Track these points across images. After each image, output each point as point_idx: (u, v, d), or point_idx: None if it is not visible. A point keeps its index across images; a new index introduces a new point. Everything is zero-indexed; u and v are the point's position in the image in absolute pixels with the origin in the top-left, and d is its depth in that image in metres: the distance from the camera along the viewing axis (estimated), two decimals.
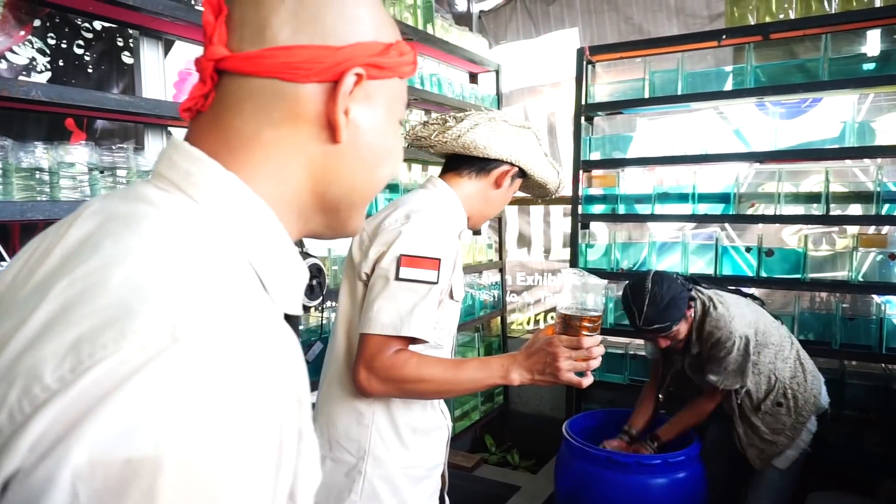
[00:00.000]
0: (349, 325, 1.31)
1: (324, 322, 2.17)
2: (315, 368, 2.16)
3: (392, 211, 1.28)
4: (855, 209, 2.56)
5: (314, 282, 1.96)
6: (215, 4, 0.53)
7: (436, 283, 1.20)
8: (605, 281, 1.27)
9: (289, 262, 0.54)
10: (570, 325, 1.20)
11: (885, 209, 2.46)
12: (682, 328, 2.02)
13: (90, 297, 0.40)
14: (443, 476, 1.43)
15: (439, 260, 1.21)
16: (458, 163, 1.40)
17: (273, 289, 0.52)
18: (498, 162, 1.37)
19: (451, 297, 1.30)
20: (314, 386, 2.15)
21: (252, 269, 0.50)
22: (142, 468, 0.34)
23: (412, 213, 1.25)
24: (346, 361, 1.29)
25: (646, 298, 1.92)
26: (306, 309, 2.00)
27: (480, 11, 4.08)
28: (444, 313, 1.30)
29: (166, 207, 0.48)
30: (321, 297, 2.00)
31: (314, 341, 2.09)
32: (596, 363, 1.20)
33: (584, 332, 1.18)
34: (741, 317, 2.06)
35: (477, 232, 3.43)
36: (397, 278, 1.18)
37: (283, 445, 0.42)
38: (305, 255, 1.96)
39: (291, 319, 1.95)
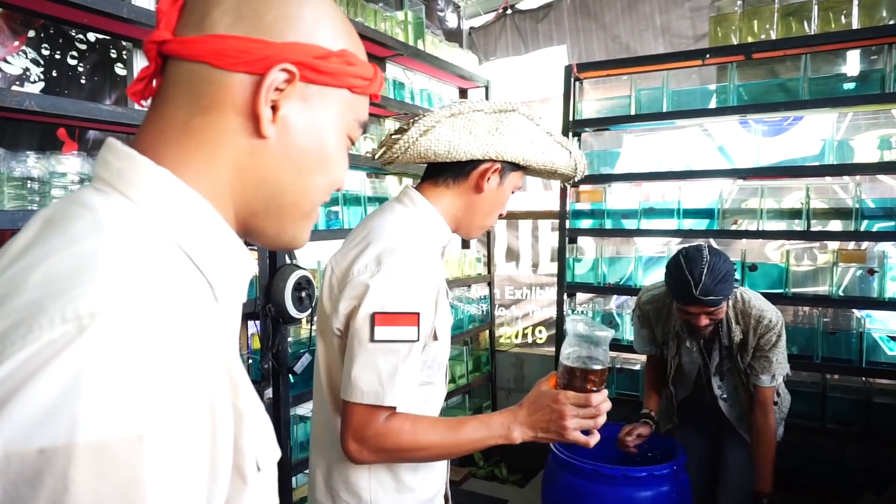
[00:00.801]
0: (328, 374, 1.19)
1: (313, 334, 2.18)
2: (304, 380, 2.16)
3: (362, 249, 1.13)
4: (835, 225, 2.61)
5: (303, 293, 1.97)
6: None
7: (416, 340, 1.08)
8: (612, 331, 1.20)
9: (230, 252, 0.55)
10: (575, 377, 1.12)
11: (863, 225, 2.51)
12: (724, 308, 1.92)
13: (8, 299, 0.41)
14: (445, 497, 1.35)
15: (418, 314, 1.08)
16: (435, 170, 1.23)
17: (215, 278, 0.53)
18: (473, 162, 1.19)
19: (435, 338, 1.17)
20: (306, 397, 2.15)
21: (190, 260, 0.51)
22: (55, 457, 0.36)
23: (383, 255, 1.10)
24: (334, 409, 1.17)
25: (704, 268, 1.79)
26: (296, 321, 2.00)
27: (470, 28, 4.14)
28: (430, 353, 1.17)
29: (100, 209, 0.49)
30: (310, 309, 2.01)
31: (303, 353, 2.09)
32: (602, 420, 1.12)
33: (591, 388, 1.11)
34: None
35: (466, 245, 3.45)
36: (372, 340, 1.06)
37: (215, 424, 0.43)
38: (294, 266, 1.97)
39: (285, 324, 1.96)
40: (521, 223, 4.17)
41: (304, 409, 2.22)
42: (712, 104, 2.81)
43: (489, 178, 1.20)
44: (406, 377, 1.08)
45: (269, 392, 1.98)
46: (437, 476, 1.28)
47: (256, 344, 1.97)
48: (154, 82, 0.57)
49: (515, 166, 1.23)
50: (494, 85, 3.53)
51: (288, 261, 2.02)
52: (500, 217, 1.30)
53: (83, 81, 1.93)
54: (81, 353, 0.38)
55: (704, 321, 1.89)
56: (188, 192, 0.52)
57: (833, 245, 2.77)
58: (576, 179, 1.31)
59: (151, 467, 0.39)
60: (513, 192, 1.28)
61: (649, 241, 3.42)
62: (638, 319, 2.25)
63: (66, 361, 0.38)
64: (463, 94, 3.49)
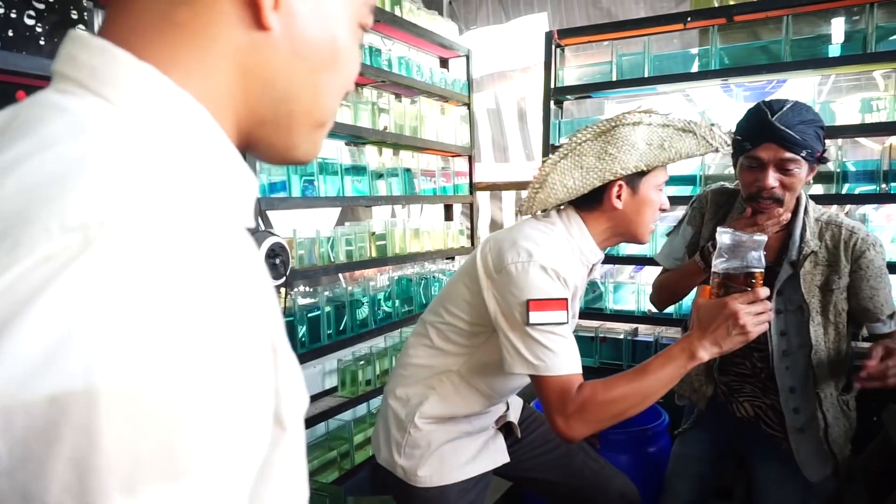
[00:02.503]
0: (458, 300, 1.39)
1: (289, 304, 2.15)
2: None
3: (513, 242, 1.29)
4: (817, 189, 2.60)
5: (277, 260, 1.94)
6: None
7: (566, 322, 1.22)
8: (765, 236, 1.22)
9: (232, 165, 0.46)
10: (735, 284, 1.18)
11: (845, 188, 2.50)
12: (804, 172, 1.47)
13: None
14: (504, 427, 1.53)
15: (566, 300, 1.22)
16: (577, 201, 1.37)
17: (219, 195, 0.44)
18: (598, 189, 1.31)
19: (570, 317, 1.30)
20: None
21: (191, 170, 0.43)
22: (72, 404, 0.29)
23: (533, 250, 1.26)
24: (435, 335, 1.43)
25: (786, 104, 1.46)
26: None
27: None
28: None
29: (75, 110, 0.39)
30: (284, 277, 1.97)
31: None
32: (770, 315, 1.18)
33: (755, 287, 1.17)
34: None
35: (449, 217, 3.42)
36: (529, 324, 1.20)
37: (254, 361, 0.36)
38: (268, 233, 1.94)
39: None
40: (504, 195, 4.14)
41: None
42: (694, 68, 2.77)
43: (619, 196, 1.31)
44: (572, 348, 1.23)
45: None
46: (483, 417, 1.45)
47: None
48: None
49: (640, 174, 1.30)
50: (476, 54, 3.47)
51: (262, 227, 1.98)
52: (664, 210, 1.38)
53: (42, 43, 1.87)
54: (92, 273, 0.30)
55: (774, 180, 1.46)
56: (180, 93, 0.43)
57: None
58: (722, 151, 1.33)
59: (196, 412, 0.31)
60: (661, 188, 1.36)
61: None
62: (691, 211, 1.84)
63: (71, 282, 0.29)
64: (444, 63, 3.44)
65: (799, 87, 3.00)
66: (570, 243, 1.35)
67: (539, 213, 1.43)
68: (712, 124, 1.32)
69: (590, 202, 1.35)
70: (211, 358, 0.32)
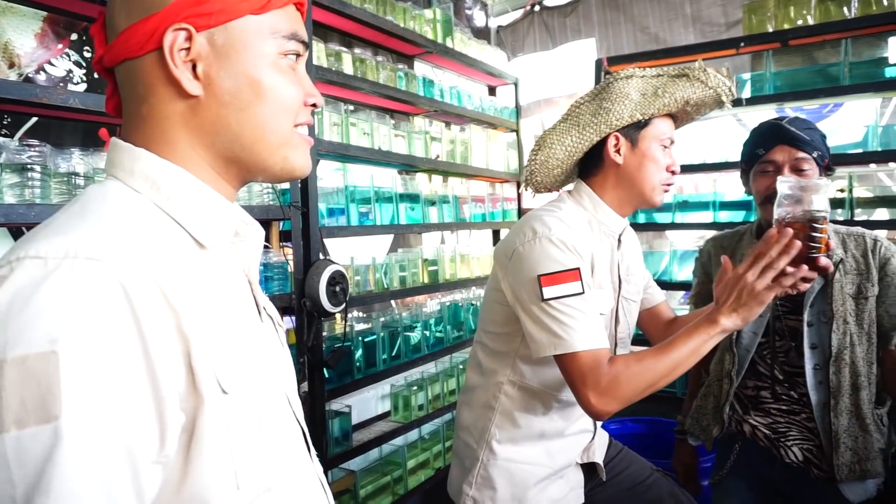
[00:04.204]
0: (488, 309, 1.38)
1: (347, 329, 2.19)
2: (338, 375, 2.18)
3: (520, 227, 1.30)
4: (881, 213, 2.52)
5: (337, 288, 1.99)
6: (99, 15, 0.65)
7: (582, 292, 1.19)
8: (826, 180, 1.19)
9: (207, 204, 0.63)
10: (795, 230, 1.13)
11: None
12: (816, 170, 1.52)
13: None
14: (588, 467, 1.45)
15: (578, 269, 1.19)
16: (581, 170, 1.38)
17: (195, 228, 0.61)
18: (598, 147, 1.31)
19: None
20: (340, 392, 2.16)
21: (168, 217, 0.60)
22: None
23: (537, 226, 1.25)
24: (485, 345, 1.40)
25: (790, 116, 1.57)
26: (330, 315, 2.02)
27: (499, 26, 4.14)
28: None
29: (89, 194, 0.60)
30: (344, 304, 2.02)
31: (338, 347, 2.10)
32: (787, 257, 1.10)
33: (813, 243, 1.13)
34: None
35: (497, 243, 3.44)
36: (544, 300, 1.18)
37: (146, 345, 0.50)
38: (328, 261, 1.99)
39: (320, 318, 1.97)
40: None
41: (339, 405, 2.23)
42: (746, 93, 2.75)
43: (619, 149, 1.30)
44: (594, 320, 1.20)
45: (304, 386, 2.00)
46: (565, 449, 1.38)
47: (293, 338, 1.99)
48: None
49: (637, 125, 1.29)
50: (523, 81, 3.51)
51: (322, 256, 2.04)
52: (674, 172, 1.35)
53: None
54: (9, 289, 0.48)
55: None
56: (160, 162, 0.61)
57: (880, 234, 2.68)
58: (728, 103, 1.33)
59: (66, 378, 0.46)
60: (667, 146, 1.34)
61: (684, 235, 3.36)
62: (695, 264, 1.87)
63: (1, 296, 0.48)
64: (492, 91, 3.49)
65: (857, 110, 2.93)
66: (583, 215, 1.34)
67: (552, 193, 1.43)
68: (706, 68, 1.30)
69: (593, 165, 1.34)
70: (82, 342, 0.47)
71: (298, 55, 0.66)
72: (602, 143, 1.31)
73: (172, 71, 0.59)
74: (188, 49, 0.60)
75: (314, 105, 0.67)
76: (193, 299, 0.56)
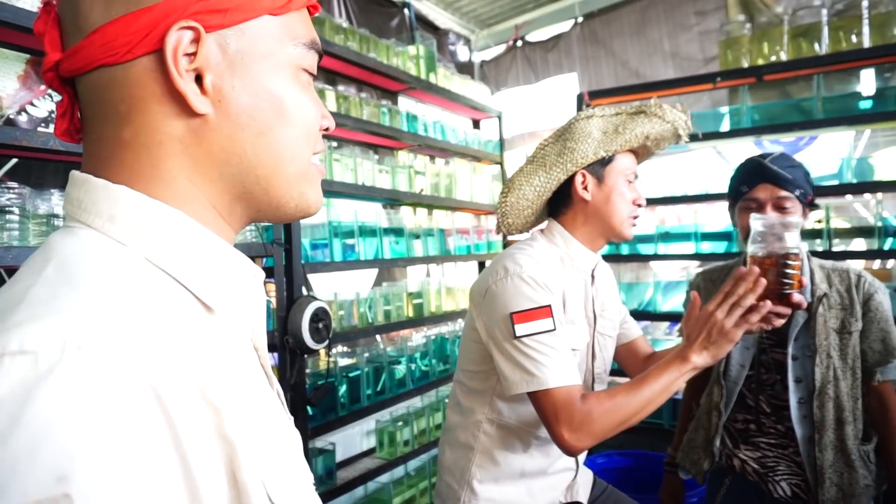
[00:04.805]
0: (465, 348, 1.39)
1: (330, 366, 2.17)
2: (322, 412, 2.15)
3: (493, 266, 1.32)
4: (858, 244, 2.56)
5: (320, 324, 1.98)
6: (45, 8, 0.48)
7: (554, 329, 1.20)
8: (800, 219, 1.23)
9: (215, 256, 0.48)
10: (768, 268, 1.17)
11: (887, 243, 2.47)
12: (799, 209, 1.51)
13: None
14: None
15: (549, 306, 1.21)
16: (551, 208, 1.41)
17: (201, 288, 0.47)
18: (565, 185, 1.35)
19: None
20: (323, 430, 2.13)
21: (167, 275, 0.46)
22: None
23: (508, 265, 1.27)
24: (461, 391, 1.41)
25: (775, 153, 1.57)
26: (314, 352, 2.00)
27: (482, 61, 4.21)
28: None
29: (58, 251, 0.44)
30: (328, 340, 2.01)
31: (321, 385, 2.08)
32: (753, 297, 1.12)
33: (785, 278, 1.16)
34: None
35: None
36: (516, 337, 1.19)
37: (186, 459, 0.38)
38: (311, 298, 1.98)
39: (303, 355, 1.95)
40: None
41: (323, 442, 2.20)
42: (725, 126, 2.81)
43: (586, 186, 1.34)
44: (566, 358, 1.21)
45: None
46: (548, 489, 1.37)
47: (276, 375, 1.97)
48: (77, 112, 0.50)
49: (602, 162, 1.33)
50: (507, 114, 3.57)
51: (305, 292, 2.03)
52: (640, 205, 1.38)
53: None
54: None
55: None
56: (150, 204, 0.46)
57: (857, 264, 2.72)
58: (685, 137, 1.38)
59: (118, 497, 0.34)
60: (632, 181, 1.37)
61: (667, 266, 3.39)
62: (685, 298, 1.85)
63: None
64: (476, 124, 3.54)
65: (831, 143, 3.00)
66: (555, 251, 1.37)
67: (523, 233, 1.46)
68: (662, 105, 1.36)
69: (563, 204, 1.38)
70: (104, 473, 0.34)
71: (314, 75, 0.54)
72: (569, 182, 1.35)
73: (176, 82, 0.45)
74: (193, 55, 0.45)
75: (326, 129, 0.56)
76: (229, 389, 0.43)
